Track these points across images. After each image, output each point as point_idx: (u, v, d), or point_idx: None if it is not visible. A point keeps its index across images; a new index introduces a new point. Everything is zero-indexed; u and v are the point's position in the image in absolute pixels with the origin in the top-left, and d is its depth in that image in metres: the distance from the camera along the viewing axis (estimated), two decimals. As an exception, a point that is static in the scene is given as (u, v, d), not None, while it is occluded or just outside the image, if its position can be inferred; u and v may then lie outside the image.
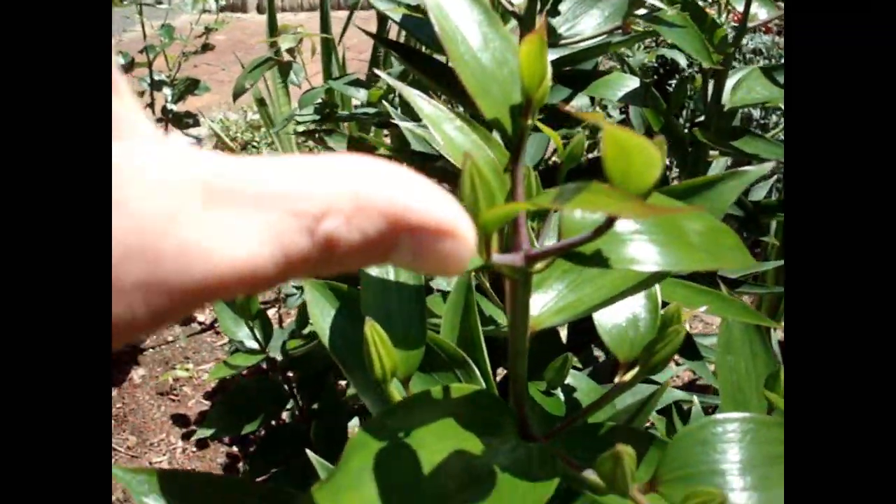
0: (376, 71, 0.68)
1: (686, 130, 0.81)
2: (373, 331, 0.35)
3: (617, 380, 0.39)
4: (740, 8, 0.76)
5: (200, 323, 1.81)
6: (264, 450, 0.86)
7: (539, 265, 0.28)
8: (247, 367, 0.84)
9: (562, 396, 0.56)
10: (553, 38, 0.71)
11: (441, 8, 0.29)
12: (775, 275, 1.60)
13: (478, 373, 0.39)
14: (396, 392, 0.36)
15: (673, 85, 1.55)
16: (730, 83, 0.78)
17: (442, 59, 0.75)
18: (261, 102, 1.75)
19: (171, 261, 0.12)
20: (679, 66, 1.77)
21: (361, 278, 0.40)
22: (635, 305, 0.41)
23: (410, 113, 0.93)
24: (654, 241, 0.29)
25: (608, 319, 0.41)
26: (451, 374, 0.40)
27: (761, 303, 1.75)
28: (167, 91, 1.49)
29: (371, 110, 0.99)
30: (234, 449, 1.46)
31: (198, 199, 0.13)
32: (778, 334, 1.57)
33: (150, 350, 1.72)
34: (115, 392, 1.63)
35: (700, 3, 0.71)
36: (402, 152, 0.78)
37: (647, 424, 0.78)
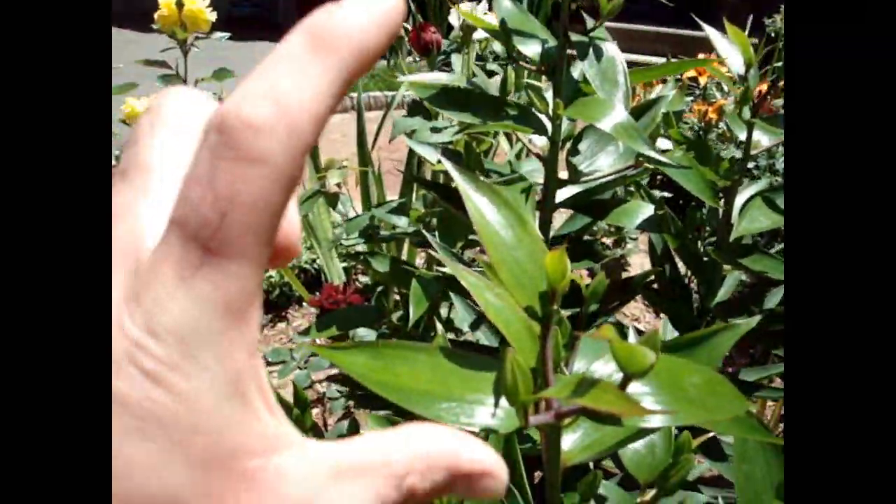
0: (422, 226, 0.76)
1: (703, 248, 0.89)
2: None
3: (639, 500, 0.46)
4: (742, 137, 0.84)
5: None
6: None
7: (566, 421, 0.35)
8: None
9: (595, 508, 0.61)
10: (574, 175, 0.79)
11: (482, 215, 0.38)
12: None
13: (519, 497, 0.46)
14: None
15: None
16: (739, 200, 0.86)
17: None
18: (303, 215, 1.86)
19: None
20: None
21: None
22: (653, 435, 0.48)
23: (447, 233, 1.02)
24: (660, 401, 0.36)
25: (630, 448, 0.47)
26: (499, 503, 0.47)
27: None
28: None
29: (410, 229, 1.08)
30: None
31: (328, 479, 0.18)
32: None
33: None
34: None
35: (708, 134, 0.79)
36: (445, 277, 0.86)
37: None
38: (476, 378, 0.36)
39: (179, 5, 1.09)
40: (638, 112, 0.78)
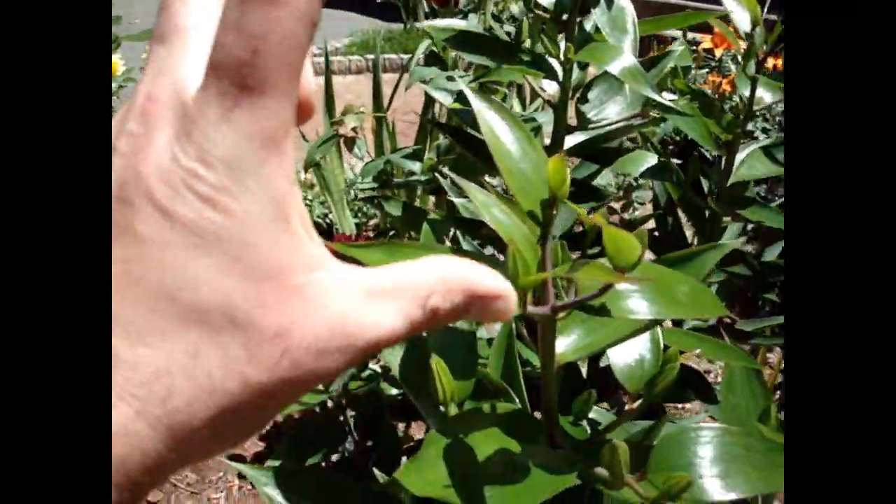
0: (435, 172, 0.80)
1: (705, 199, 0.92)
2: (437, 364, 0.46)
3: (627, 407, 0.50)
4: (746, 93, 0.87)
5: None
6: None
7: (562, 314, 0.39)
8: (315, 405, 0.95)
9: (588, 428, 0.66)
10: (583, 122, 0.83)
11: (493, 131, 0.41)
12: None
13: (517, 400, 0.50)
14: (454, 412, 0.47)
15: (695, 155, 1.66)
16: (740, 157, 0.89)
17: (479, 135, 0.87)
18: (316, 165, 1.90)
19: (358, 332, 0.21)
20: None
21: (427, 324, 0.51)
22: (642, 349, 0.52)
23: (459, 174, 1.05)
24: (646, 297, 0.40)
25: (621, 360, 0.51)
26: (496, 401, 0.51)
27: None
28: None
29: (423, 178, 1.11)
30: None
31: (363, 297, 0.21)
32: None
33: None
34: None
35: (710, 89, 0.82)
36: (452, 219, 0.90)
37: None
38: (482, 273, 0.40)
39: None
40: (647, 64, 0.81)
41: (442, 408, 0.47)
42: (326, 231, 2.26)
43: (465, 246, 0.98)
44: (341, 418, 1.10)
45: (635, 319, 0.46)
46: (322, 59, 1.92)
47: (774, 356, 2.01)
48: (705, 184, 0.95)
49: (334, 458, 1.25)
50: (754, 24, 0.83)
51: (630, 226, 0.87)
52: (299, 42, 0.19)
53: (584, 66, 0.81)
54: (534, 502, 0.37)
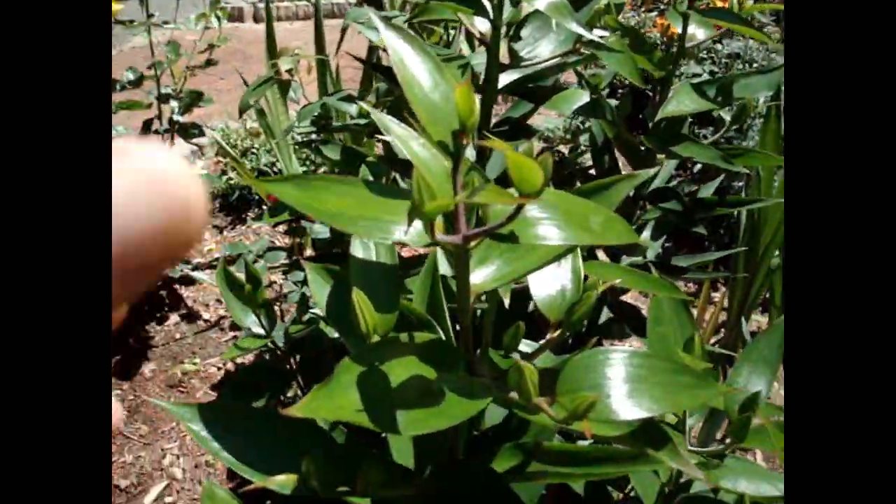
0: (361, 103, 0.79)
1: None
2: (358, 297, 0.46)
3: (548, 336, 0.51)
4: (680, 29, 0.87)
5: (206, 320, 1.93)
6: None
7: (473, 243, 0.40)
8: (256, 348, 0.95)
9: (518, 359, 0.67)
10: (515, 61, 0.82)
11: (402, 61, 0.41)
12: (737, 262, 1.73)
13: (440, 331, 0.51)
14: (377, 345, 0.48)
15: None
16: (673, 93, 0.90)
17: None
18: (260, 113, 1.87)
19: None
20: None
21: (350, 260, 0.51)
22: (564, 279, 0.53)
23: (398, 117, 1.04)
24: (557, 224, 0.41)
25: (543, 291, 0.52)
26: (421, 333, 0.51)
27: (734, 291, 1.87)
28: (174, 103, 1.61)
29: (362, 121, 1.10)
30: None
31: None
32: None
33: (160, 347, 1.84)
34: (126, 385, 1.75)
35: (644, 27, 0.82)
36: (391, 160, 0.89)
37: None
38: (393, 203, 0.40)
39: None
40: (580, 1, 0.81)
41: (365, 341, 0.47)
42: (274, 180, 2.23)
43: (402, 185, 0.98)
44: (286, 364, 1.11)
45: (552, 247, 0.47)
46: (263, 5, 1.87)
47: (719, 294, 2.06)
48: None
49: (287, 397, 1.26)
50: (685, -40, 0.83)
51: (562, 164, 0.87)
52: None
53: (516, 3, 0.81)
54: (446, 424, 0.37)
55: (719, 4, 0.98)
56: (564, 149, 2.21)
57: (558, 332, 0.51)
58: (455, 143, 0.40)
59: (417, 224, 0.39)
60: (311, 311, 1.02)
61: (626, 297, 1.11)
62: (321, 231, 1.24)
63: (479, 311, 0.78)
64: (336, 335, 0.99)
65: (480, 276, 0.47)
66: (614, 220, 0.44)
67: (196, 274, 1.95)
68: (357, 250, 0.52)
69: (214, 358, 1.82)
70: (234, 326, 1.92)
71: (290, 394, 1.09)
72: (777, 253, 1.77)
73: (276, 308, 1.87)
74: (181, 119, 1.62)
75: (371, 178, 0.94)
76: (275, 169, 2.26)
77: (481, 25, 0.82)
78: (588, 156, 1.03)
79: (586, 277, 0.54)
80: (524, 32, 0.83)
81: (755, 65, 2.48)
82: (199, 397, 1.72)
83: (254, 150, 2.35)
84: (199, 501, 1.45)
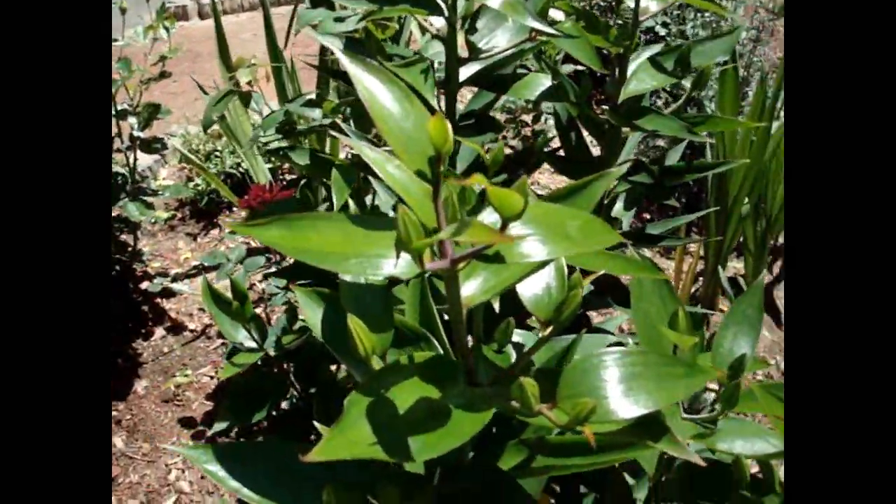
0: (325, 108, 0.79)
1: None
2: (354, 323, 0.48)
3: (540, 335, 0.53)
4: (632, 4, 0.88)
5: (192, 331, 1.93)
6: (274, 429, 0.99)
7: (461, 265, 0.41)
8: (251, 363, 0.96)
9: (512, 353, 0.69)
10: (474, 53, 0.83)
11: (371, 94, 0.42)
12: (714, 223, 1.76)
13: (435, 342, 0.52)
14: (377, 365, 0.49)
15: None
16: (632, 68, 0.91)
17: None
18: (221, 117, 1.85)
19: None
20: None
21: (339, 283, 0.53)
22: (548, 278, 0.54)
23: (361, 122, 1.05)
24: (539, 239, 0.42)
25: (529, 291, 0.54)
26: (416, 346, 0.53)
27: (708, 250, 1.91)
28: (132, 120, 1.59)
29: (326, 121, 1.10)
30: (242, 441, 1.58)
31: None
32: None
33: (150, 362, 1.84)
34: (122, 405, 1.75)
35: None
36: (361, 164, 0.90)
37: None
38: (379, 236, 0.41)
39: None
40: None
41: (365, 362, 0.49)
42: (242, 181, 2.23)
43: (375, 186, 0.99)
44: (280, 370, 1.12)
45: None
46: (207, 1, 1.85)
47: (694, 245, 2.09)
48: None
49: (284, 405, 1.27)
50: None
51: (529, 153, 0.88)
52: None
53: (469, -3, 0.81)
54: (457, 443, 0.39)
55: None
56: (528, 117, 2.22)
57: (549, 329, 0.52)
58: (433, 171, 0.41)
59: (406, 255, 0.40)
60: (301, 319, 1.03)
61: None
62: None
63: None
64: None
65: (469, 290, 0.48)
66: (591, 222, 0.45)
67: (176, 286, 1.94)
68: (346, 274, 0.53)
69: (205, 367, 1.83)
70: (222, 334, 1.92)
71: (284, 404, 1.10)
72: (746, 201, 1.80)
73: (262, 312, 1.88)
74: (141, 134, 1.60)
75: (345, 186, 0.94)
76: (240, 170, 2.24)
77: (437, 23, 0.82)
78: (549, 118, 1.04)
79: (572, 269, 0.55)
80: (480, 24, 0.84)
81: (706, 13, 2.49)
82: (195, 409, 1.73)
83: (217, 153, 2.34)
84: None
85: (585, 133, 0.99)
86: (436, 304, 0.61)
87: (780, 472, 0.76)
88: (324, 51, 1.50)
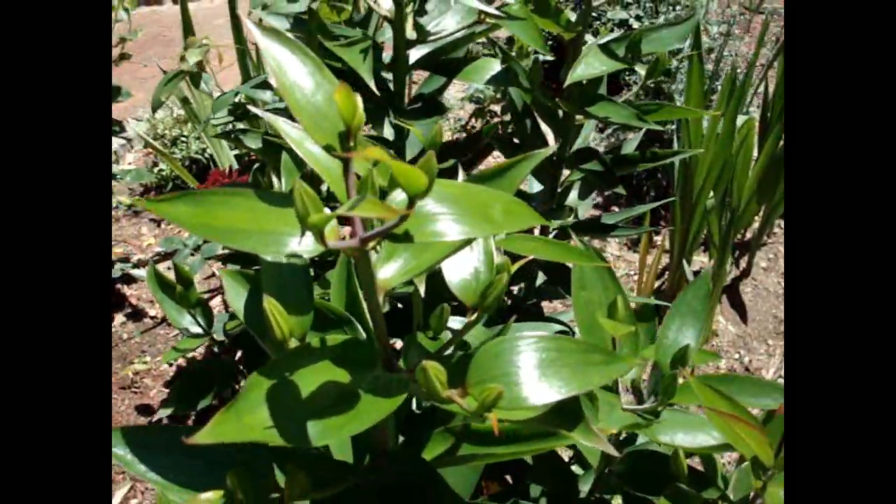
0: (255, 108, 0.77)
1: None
2: (270, 304, 0.46)
3: (466, 320, 0.52)
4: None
5: (152, 317, 1.90)
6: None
7: (370, 244, 0.40)
8: (193, 349, 0.94)
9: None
10: (422, 35, 0.82)
11: (280, 66, 0.40)
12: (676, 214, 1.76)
13: (359, 327, 0.51)
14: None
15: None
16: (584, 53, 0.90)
17: (336, 64, 0.84)
18: (184, 101, 1.82)
19: None
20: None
21: (261, 263, 0.51)
22: (476, 262, 0.53)
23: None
24: (454, 219, 0.41)
25: (457, 276, 0.53)
26: (340, 330, 0.51)
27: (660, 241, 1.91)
28: (91, 101, 1.56)
29: (281, 105, 1.08)
30: (199, 429, 1.56)
31: None
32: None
33: (107, 348, 1.81)
34: (78, 392, 1.72)
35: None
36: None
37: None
38: (286, 213, 0.40)
39: None
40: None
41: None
42: (205, 167, 2.20)
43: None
44: (232, 357, 1.10)
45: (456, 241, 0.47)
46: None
47: (660, 239, 2.09)
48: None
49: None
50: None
51: (476, 137, 0.87)
52: None
53: (417, -22, 0.80)
54: (360, 428, 0.38)
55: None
56: (497, 107, 2.20)
57: (475, 315, 0.51)
58: (342, 145, 0.39)
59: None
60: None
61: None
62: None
63: (410, 293, 0.78)
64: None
65: (389, 272, 0.47)
66: (515, 204, 0.44)
67: (136, 272, 1.91)
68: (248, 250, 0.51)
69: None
70: (182, 320, 1.89)
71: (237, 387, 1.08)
72: (711, 195, 1.80)
73: (220, 300, 1.85)
74: (100, 116, 1.57)
75: (283, 174, 0.93)
76: (206, 155, 2.21)
77: (385, 4, 0.80)
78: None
79: (505, 252, 0.54)
80: (429, 6, 0.82)
81: (678, 6, 2.49)
82: (153, 395, 1.70)
83: (183, 138, 2.30)
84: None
85: (541, 121, 0.98)
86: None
87: (722, 464, 0.76)
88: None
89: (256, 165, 1.13)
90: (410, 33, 0.81)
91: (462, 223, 0.41)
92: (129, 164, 2.42)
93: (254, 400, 0.37)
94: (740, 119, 1.76)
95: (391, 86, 0.83)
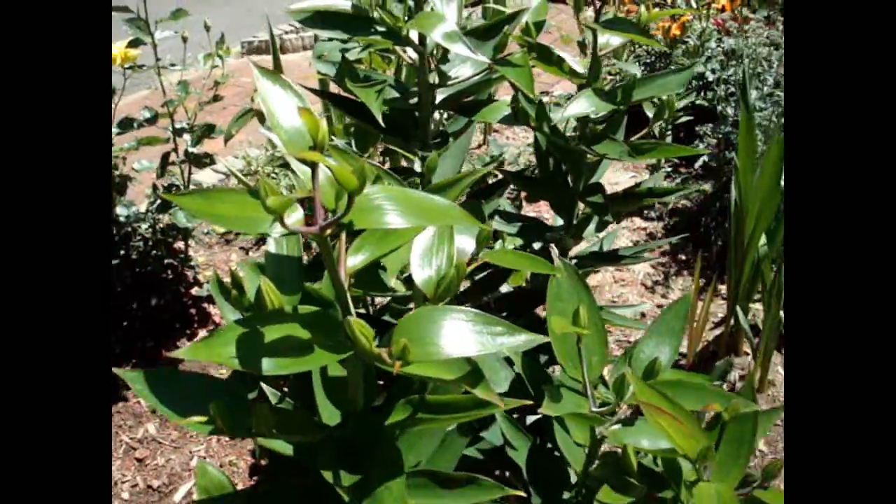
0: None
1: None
2: (265, 283, 0.59)
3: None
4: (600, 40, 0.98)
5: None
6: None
7: (329, 231, 0.52)
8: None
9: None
10: (443, 80, 0.94)
11: (266, 96, 0.54)
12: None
13: (339, 308, 0.63)
14: (284, 320, 0.60)
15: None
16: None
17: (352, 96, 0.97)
18: (271, 143, 2.02)
19: None
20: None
21: (265, 255, 0.64)
22: (442, 261, 0.65)
23: (362, 142, 1.17)
24: (400, 213, 0.53)
25: (423, 274, 0.64)
26: (326, 311, 0.64)
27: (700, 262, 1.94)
28: (187, 136, 1.77)
29: (340, 142, 1.23)
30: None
31: None
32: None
33: (191, 360, 1.99)
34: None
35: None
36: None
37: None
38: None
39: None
40: (495, 23, 0.92)
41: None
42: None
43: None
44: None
45: (409, 231, 0.59)
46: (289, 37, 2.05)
47: (724, 286, 2.12)
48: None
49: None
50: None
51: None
52: None
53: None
54: (305, 367, 0.50)
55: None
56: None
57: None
58: (311, 156, 0.52)
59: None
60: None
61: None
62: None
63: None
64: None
65: (357, 260, 0.59)
66: (450, 207, 0.55)
67: (220, 292, 2.09)
68: (271, 247, 0.64)
69: (239, 368, 1.97)
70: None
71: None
72: (763, 242, 1.83)
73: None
74: (195, 150, 1.77)
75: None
76: (293, 191, 2.41)
77: (412, 53, 0.94)
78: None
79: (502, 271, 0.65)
80: (451, 55, 0.95)
81: (748, 59, 2.54)
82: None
83: (274, 175, 2.51)
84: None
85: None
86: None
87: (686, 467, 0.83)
88: (323, 87, 1.65)
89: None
90: (433, 78, 0.94)
91: (405, 216, 0.52)
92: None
93: (226, 338, 0.50)
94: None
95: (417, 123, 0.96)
